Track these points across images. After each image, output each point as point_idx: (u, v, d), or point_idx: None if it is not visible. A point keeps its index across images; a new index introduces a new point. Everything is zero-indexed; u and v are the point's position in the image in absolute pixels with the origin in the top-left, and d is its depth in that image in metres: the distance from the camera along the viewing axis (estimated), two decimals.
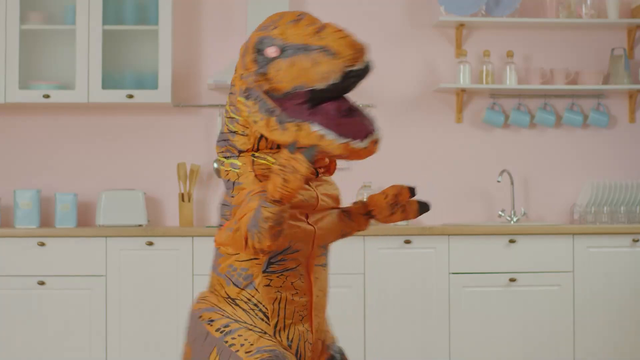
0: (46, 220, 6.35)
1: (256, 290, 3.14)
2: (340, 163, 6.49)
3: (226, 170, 3.17)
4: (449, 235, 5.92)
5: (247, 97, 3.11)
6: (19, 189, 6.06)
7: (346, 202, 6.49)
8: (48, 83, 6.10)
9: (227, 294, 3.19)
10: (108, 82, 6.18)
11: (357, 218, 3.33)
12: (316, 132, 2.98)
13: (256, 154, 3.14)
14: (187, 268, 5.83)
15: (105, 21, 6.18)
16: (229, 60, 6.45)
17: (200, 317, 3.18)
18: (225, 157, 3.18)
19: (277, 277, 3.13)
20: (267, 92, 3.07)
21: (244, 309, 3.16)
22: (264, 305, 3.15)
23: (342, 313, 5.88)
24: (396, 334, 5.89)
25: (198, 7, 6.45)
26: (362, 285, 5.89)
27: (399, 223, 6.27)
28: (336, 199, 3.29)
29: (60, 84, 6.16)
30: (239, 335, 3.10)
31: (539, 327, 5.94)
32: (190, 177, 6.28)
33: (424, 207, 3.30)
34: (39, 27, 6.14)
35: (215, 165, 3.32)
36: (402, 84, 6.52)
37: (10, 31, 6.04)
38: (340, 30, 2.99)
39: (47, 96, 6.06)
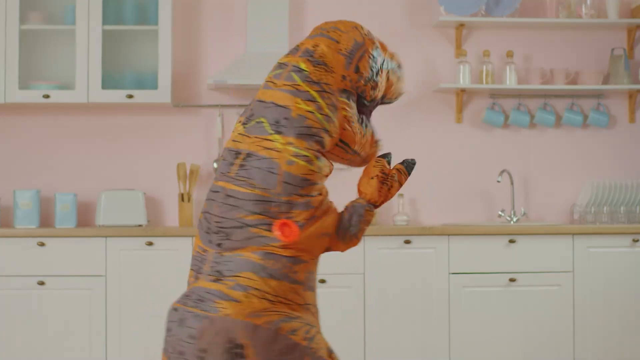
0: (46, 220, 6.35)
1: (314, 293, 3.19)
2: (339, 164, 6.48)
3: (311, 169, 3.08)
4: (449, 235, 5.91)
5: (347, 98, 3.20)
6: (19, 189, 6.06)
7: (345, 202, 6.49)
8: (48, 83, 6.10)
9: (305, 301, 3.07)
10: (108, 82, 6.18)
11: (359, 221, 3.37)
12: (375, 138, 3.23)
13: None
14: (187, 268, 5.83)
15: (105, 21, 6.18)
16: (229, 60, 6.45)
17: (280, 329, 2.96)
18: (316, 157, 3.10)
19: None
20: (360, 97, 3.25)
21: (311, 312, 3.14)
22: (313, 305, 3.19)
23: (342, 313, 5.87)
24: (396, 334, 5.89)
25: (198, 7, 6.45)
26: (362, 285, 5.89)
27: (400, 223, 6.27)
28: None
29: (60, 84, 6.16)
30: (316, 341, 3.03)
31: (539, 327, 5.94)
32: (190, 177, 6.28)
33: (410, 165, 3.30)
34: (39, 27, 6.14)
35: (294, 160, 3.20)
36: None
37: (10, 31, 6.04)
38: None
39: (47, 96, 6.06)
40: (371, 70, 3.19)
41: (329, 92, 3.10)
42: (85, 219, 6.37)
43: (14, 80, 6.04)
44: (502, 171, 6.35)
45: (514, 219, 6.41)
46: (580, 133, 6.60)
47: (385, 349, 5.88)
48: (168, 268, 5.82)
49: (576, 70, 6.60)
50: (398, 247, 5.90)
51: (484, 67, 6.40)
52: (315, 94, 3.10)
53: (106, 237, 5.80)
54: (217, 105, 6.40)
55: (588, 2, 6.46)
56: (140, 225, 6.04)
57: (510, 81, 6.40)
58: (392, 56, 3.25)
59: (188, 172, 6.40)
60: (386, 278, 5.89)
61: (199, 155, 6.41)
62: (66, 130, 6.38)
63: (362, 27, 3.25)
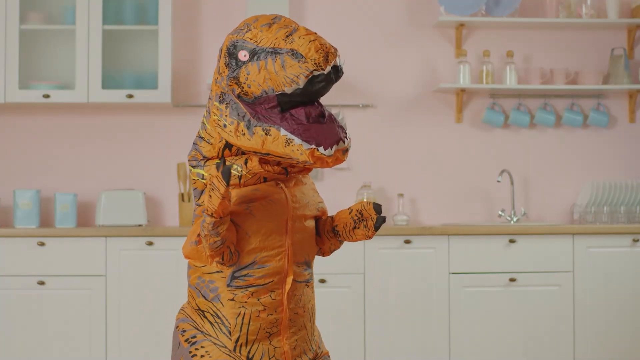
0: (46, 220, 6.35)
1: (221, 303, 3.11)
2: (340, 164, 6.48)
3: (193, 179, 3.14)
4: (449, 235, 5.92)
5: (220, 102, 3.08)
6: (19, 189, 6.05)
7: (346, 203, 6.49)
8: (48, 83, 6.10)
9: (198, 306, 3.17)
10: (108, 82, 6.18)
11: (324, 235, 3.27)
12: (284, 137, 2.93)
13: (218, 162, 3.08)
14: (186, 268, 5.83)
15: (105, 21, 6.18)
16: None
17: (177, 327, 3.18)
18: (192, 166, 3.15)
19: (242, 292, 3.08)
20: (239, 97, 3.03)
21: (210, 322, 3.14)
22: (227, 320, 3.11)
23: (342, 313, 5.87)
24: (396, 334, 5.88)
25: (198, 7, 6.45)
26: (362, 285, 5.89)
27: (400, 222, 6.27)
28: (313, 204, 3.23)
29: (60, 84, 6.16)
30: (202, 347, 3.10)
31: (539, 327, 5.94)
32: (190, 177, 6.28)
33: (379, 221, 3.21)
34: (39, 27, 6.14)
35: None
36: (402, 84, 6.52)
37: (10, 31, 6.04)
38: (310, 34, 2.94)
39: (47, 96, 6.06)
40: (229, 66, 3.04)
41: (210, 99, 3.14)
42: (85, 219, 6.37)
43: (14, 80, 6.04)
44: (502, 171, 6.35)
45: (514, 219, 6.41)
46: (580, 133, 6.60)
47: (385, 349, 5.88)
48: (168, 268, 5.82)
49: (576, 70, 6.60)
50: (398, 247, 5.90)
51: (484, 67, 6.40)
52: (207, 104, 3.18)
53: (106, 237, 5.80)
54: None
55: (588, 2, 6.46)
56: (140, 225, 6.04)
57: (510, 81, 6.40)
58: (277, 42, 2.97)
59: (188, 172, 6.40)
60: (386, 278, 5.89)
61: None
62: (66, 130, 6.38)
63: (249, 20, 3.08)
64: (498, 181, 6.34)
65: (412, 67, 6.52)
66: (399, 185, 6.51)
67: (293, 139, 2.92)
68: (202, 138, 3.13)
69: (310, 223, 3.21)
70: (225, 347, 3.11)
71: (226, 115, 3.06)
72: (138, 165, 6.40)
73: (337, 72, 2.94)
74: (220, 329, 3.12)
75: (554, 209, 6.57)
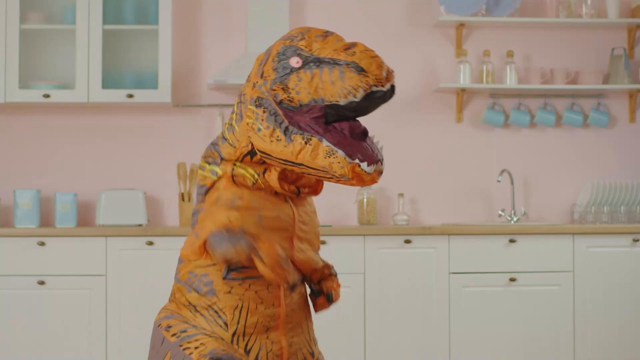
0: (46, 220, 6.35)
1: (216, 297, 3.10)
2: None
3: (205, 176, 3.13)
4: (449, 235, 5.91)
5: (257, 106, 3.06)
6: (19, 189, 6.06)
7: (346, 202, 6.48)
8: (48, 83, 6.10)
9: (188, 301, 3.16)
10: (108, 82, 6.18)
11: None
12: (326, 148, 2.93)
13: (237, 164, 3.08)
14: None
15: (105, 21, 6.18)
16: (229, 60, 6.45)
17: (159, 325, 3.17)
18: (207, 162, 3.14)
19: (239, 284, 3.08)
20: (280, 103, 3.01)
21: (204, 316, 3.13)
22: (224, 313, 3.10)
23: (342, 313, 5.87)
24: (396, 333, 5.89)
25: (198, 7, 6.45)
26: (362, 285, 5.89)
27: (400, 222, 6.27)
28: (314, 227, 3.24)
29: (60, 83, 6.16)
30: (196, 340, 3.08)
31: (539, 327, 5.94)
32: (190, 177, 6.28)
33: (322, 306, 3.26)
34: (39, 27, 6.14)
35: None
36: (402, 84, 6.52)
37: (10, 31, 6.04)
38: (370, 50, 2.95)
39: (47, 96, 6.06)
40: (276, 71, 3.03)
41: (243, 102, 3.12)
42: (85, 218, 6.37)
43: (14, 80, 6.04)
44: (502, 171, 6.35)
45: (514, 219, 6.41)
46: (580, 133, 6.60)
47: (385, 349, 5.88)
48: (168, 268, 5.82)
49: (576, 70, 6.60)
50: (398, 247, 5.90)
51: (484, 67, 6.40)
52: (234, 106, 3.16)
53: (106, 236, 5.80)
54: (217, 105, 6.40)
55: (588, 2, 6.46)
56: (140, 225, 6.04)
57: (510, 81, 6.40)
58: (335, 53, 2.97)
59: (188, 171, 6.40)
60: (386, 278, 5.89)
61: (199, 155, 6.41)
62: (66, 130, 6.38)
63: (301, 29, 3.08)
64: (498, 181, 6.34)
65: (412, 67, 6.52)
66: (399, 185, 6.51)
67: (337, 151, 2.92)
68: (225, 139, 3.12)
69: (311, 244, 3.22)
70: (222, 339, 3.11)
71: (262, 120, 3.03)
72: (138, 165, 6.40)
73: (392, 92, 2.95)
74: (216, 322, 3.11)
75: (554, 208, 6.57)
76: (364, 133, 2.98)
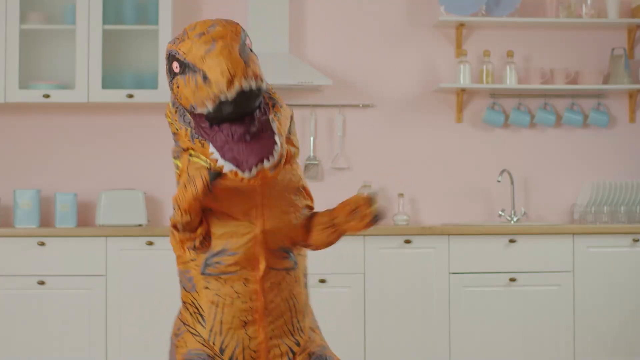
0: (46, 220, 6.35)
1: (197, 293, 3.11)
2: (340, 163, 6.48)
3: (176, 172, 3.14)
4: (449, 235, 5.91)
5: (173, 104, 3.07)
6: (19, 189, 6.05)
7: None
8: (48, 83, 6.10)
9: (181, 298, 3.20)
10: (108, 82, 6.18)
11: (315, 227, 3.20)
12: (212, 155, 2.91)
13: (192, 152, 3.06)
14: None
15: (105, 21, 6.18)
16: None
17: (175, 321, 3.24)
18: (174, 157, 3.15)
19: (215, 280, 3.07)
20: (180, 105, 3.01)
21: (189, 312, 3.16)
22: (202, 309, 3.11)
23: (342, 313, 5.87)
24: (396, 334, 5.89)
25: (198, 7, 6.45)
26: (362, 285, 5.89)
27: (399, 222, 6.27)
28: (292, 187, 3.16)
29: (60, 83, 6.16)
30: (182, 339, 3.13)
31: (539, 327, 5.94)
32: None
33: (376, 217, 3.13)
34: (39, 27, 6.14)
35: None
36: (402, 84, 6.52)
37: (10, 31, 6.04)
38: (222, 53, 2.82)
39: (47, 96, 6.06)
40: (168, 74, 3.01)
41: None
42: (85, 218, 6.37)
43: (14, 80, 6.04)
44: (502, 171, 6.35)
45: (514, 219, 6.41)
46: (580, 133, 6.60)
47: (385, 349, 5.88)
48: (168, 268, 5.82)
49: (576, 70, 6.60)
50: (398, 246, 5.90)
51: (484, 67, 6.40)
52: None
53: (106, 236, 5.80)
54: None
55: (588, 2, 6.46)
56: (140, 225, 6.04)
57: (510, 81, 6.40)
58: (199, 58, 2.86)
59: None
60: (386, 278, 5.89)
61: None
62: (66, 130, 6.38)
63: (189, 27, 2.99)
64: (498, 181, 6.34)
65: (412, 67, 6.52)
66: (399, 185, 6.50)
67: (217, 159, 2.89)
68: (173, 133, 3.13)
69: (294, 208, 3.14)
70: (201, 336, 3.11)
71: (175, 120, 3.06)
72: (138, 165, 6.40)
73: (245, 94, 2.82)
74: (197, 318, 3.13)
75: (554, 208, 6.57)
76: (246, 132, 2.88)
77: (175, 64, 2.96)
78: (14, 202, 6.01)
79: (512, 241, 5.94)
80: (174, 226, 3.04)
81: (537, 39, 6.60)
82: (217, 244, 3.07)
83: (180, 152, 3.12)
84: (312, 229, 3.20)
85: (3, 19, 6.03)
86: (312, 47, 6.48)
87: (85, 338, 5.78)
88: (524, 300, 5.94)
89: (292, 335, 3.18)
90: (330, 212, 3.19)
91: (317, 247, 3.22)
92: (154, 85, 6.16)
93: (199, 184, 2.91)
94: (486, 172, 6.55)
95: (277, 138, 2.91)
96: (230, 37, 2.87)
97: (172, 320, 5.81)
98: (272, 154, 2.87)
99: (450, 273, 5.92)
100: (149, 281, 5.81)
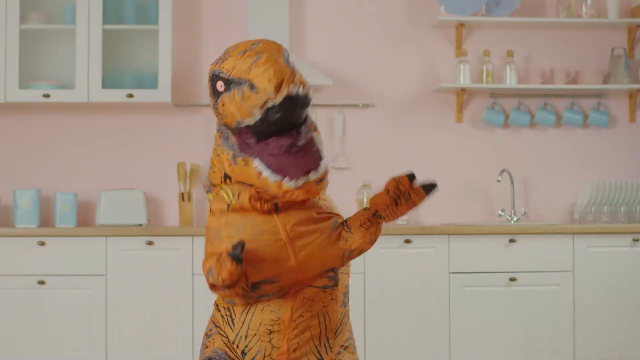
0: (46, 220, 6.35)
1: None
2: (340, 162, 6.49)
3: (209, 200, 3.16)
4: (449, 235, 5.91)
5: (217, 130, 3.07)
6: (19, 189, 6.05)
7: (346, 202, 6.48)
8: (48, 83, 6.10)
9: (215, 300, 3.23)
10: (108, 82, 6.18)
11: (356, 230, 3.17)
12: (256, 169, 2.91)
13: (222, 186, 3.09)
14: (187, 268, 5.83)
15: (105, 21, 6.18)
16: None
17: (208, 322, 3.29)
18: (207, 191, 3.17)
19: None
20: (226, 126, 3.01)
21: (221, 314, 3.18)
22: (234, 313, 3.13)
23: None
24: (396, 333, 5.89)
25: (198, 7, 6.45)
26: (362, 285, 5.89)
27: (399, 222, 6.27)
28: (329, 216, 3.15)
29: (60, 83, 6.16)
30: (212, 339, 3.16)
31: (539, 327, 5.94)
32: (190, 177, 6.28)
33: (429, 188, 3.12)
34: (39, 27, 6.14)
35: None
36: (402, 84, 6.52)
37: (10, 31, 6.04)
38: (267, 61, 2.86)
39: (47, 96, 6.06)
40: (213, 96, 3.02)
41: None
42: (85, 218, 6.37)
43: (14, 80, 6.04)
44: (502, 171, 6.35)
45: (514, 219, 6.41)
46: (580, 133, 6.60)
47: (385, 349, 5.88)
48: (168, 268, 5.82)
49: (576, 70, 6.60)
50: (398, 246, 5.90)
51: (484, 67, 6.40)
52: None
53: (106, 236, 5.80)
54: None
55: (588, 2, 6.46)
56: (140, 225, 6.04)
57: (510, 81, 6.40)
58: (244, 71, 2.89)
59: (188, 171, 6.40)
60: (386, 278, 5.89)
61: (199, 155, 6.41)
62: (66, 130, 6.38)
63: (231, 47, 3.02)
64: (498, 181, 6.34)
65: (412, 66, 6.52)
66: None
67: (262, 171, 2.90)
68: (210, 167, 3.14)
69: (320, 230, 3.11)
70: (227, 337, 3.14)
71: (219, 145, 3.05)
72: (138, 165, 6.40)
73: (292, 99, 2.84)
74: (227, 321, 3.15)
75: (554, 208, 6.57)
76: (293, 145, 2.90)
77: (219, 83, 2.97)
78: (14, 202, 6.01)
79: (512, 241, 5.94)
80: (213, 286, 3.02)
81: (537, 39, 6.60)
82: (258, 278, 3.07)
83: (212, 187, 3.15)
84: (352, 233, 3.18)
85: (3, 19, 6.03)
86: (312, 47, 6.48)
87: (85, 338, 5.78)
88: (524, 300, 5.94)
89: (317, 351, 3.17)
90: (368, 210, 3.18)
91: (362, 250, 3.19)
92: (154, 85, 6.17)
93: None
94: (486, 172, 6.55)
95: (322, 153, 2.94)
96: (274, 50, 2.92)
97: (171, 320, 5.81)
98: (318, 166, 2.90)
99: (450, 273, 5.92)
100: (149, 281, 5.81)
